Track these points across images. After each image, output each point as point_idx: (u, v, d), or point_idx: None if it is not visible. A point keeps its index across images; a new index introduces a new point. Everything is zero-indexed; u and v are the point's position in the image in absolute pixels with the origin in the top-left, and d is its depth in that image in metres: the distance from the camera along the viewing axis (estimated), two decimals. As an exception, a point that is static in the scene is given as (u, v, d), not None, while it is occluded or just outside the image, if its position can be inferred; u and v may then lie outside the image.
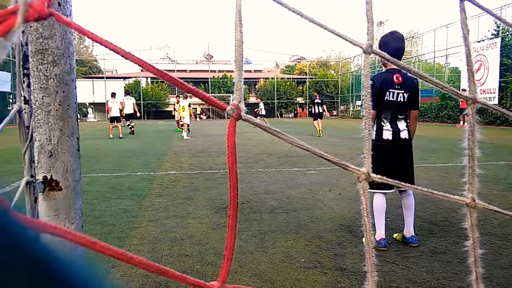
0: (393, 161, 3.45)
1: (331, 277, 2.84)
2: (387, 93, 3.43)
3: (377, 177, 0.55)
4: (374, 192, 3.46)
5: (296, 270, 2.98)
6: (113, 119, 16.20)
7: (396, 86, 3.43)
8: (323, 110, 16.67)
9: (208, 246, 3.45)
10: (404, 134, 3.47)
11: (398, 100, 3.45)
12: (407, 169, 3.53)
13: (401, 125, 3.48)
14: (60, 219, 0.89)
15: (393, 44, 3.38)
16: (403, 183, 0.60)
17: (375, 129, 3.50)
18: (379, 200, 3.46)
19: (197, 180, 6.46)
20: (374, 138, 3.48)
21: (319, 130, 15.84)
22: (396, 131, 3.46)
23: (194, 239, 3.63)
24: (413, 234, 3.47)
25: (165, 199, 5.16)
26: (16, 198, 0.86)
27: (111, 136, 15.85)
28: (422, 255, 3.24)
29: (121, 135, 15.69)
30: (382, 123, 3.47)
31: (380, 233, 3.40)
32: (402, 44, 3.45)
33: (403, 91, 3.44)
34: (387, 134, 3.46)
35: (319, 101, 16.37)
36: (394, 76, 3.42)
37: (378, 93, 3.40)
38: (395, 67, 3.39)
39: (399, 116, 3.48)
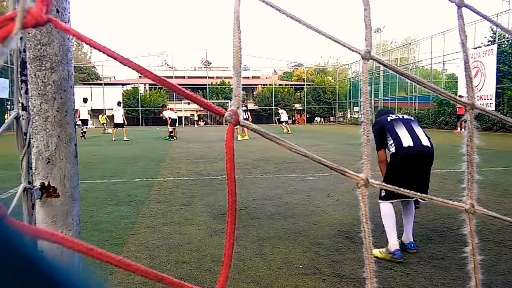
0: (415, 169, 3.32)
1: (330, 284, 2.83)
2: (388, 118, 3.53)
3: (376, 183, 0.54)
4: (381, 203, 3.40)
5: (294, 276, 2.96)
6: (116, 125, 18.67)
7: (394, 115, 3.59)
8: (248, 116, 19.24)
9: (206, 253, 3.44)
10: (425, 142, 3.35)
11: (402, 116, 3.56)
12: (425, 178, 3.43)
13: (419, 131, 3.44)
14: (57, 226, 0.88)
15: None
16: (412, 192, 0.60)
17: (392, 150, 3.40)
18: (387, 208, 3.35)
19: (195, 186, 6.45)
20: (393, 152, 3.39)
21: (244, 135, 17.92)
22: (415, 136, 3.38)
23: (192, 246, 3.61)
24: (412, 240, 3.46)
25: (163, 205, 5.15)
26: (13, 204, 0.85)
27: (114, 139, 17.97)
28: (421, 261, 3.23)
29: (125, 138, 18.03)
30: (396, 141, 3.39)
31: (394, 243, 3.24)
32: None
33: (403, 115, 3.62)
34: (408, 142, 3.33)
35: (245, 108, 19.23)
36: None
37: (379, 130, 3.49)
38: None
39: (414, 127, 3.46)
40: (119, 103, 19.81)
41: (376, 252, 3.27)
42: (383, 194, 3.38)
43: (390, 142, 3.43)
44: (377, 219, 4.04)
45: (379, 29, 42.12)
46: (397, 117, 3.52)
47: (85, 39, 0.39)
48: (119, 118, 18.51)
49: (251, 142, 15.06)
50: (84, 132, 19.67)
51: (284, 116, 23.96)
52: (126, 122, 18.98)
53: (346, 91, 44.45)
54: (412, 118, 3.58)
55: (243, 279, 2.91)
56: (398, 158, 3.32)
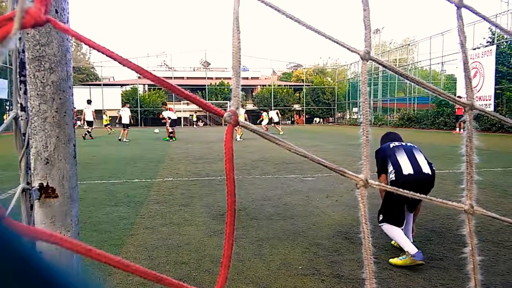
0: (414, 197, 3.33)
1: (329, 284, 2.83)
2: (390, 145, 3.56)
3: (375, 184, 0.54)
4: (382, 225, 3.39)
5: (293, 277, 2.96)
6: (124, 125, 19.01)
7: (397, 142, 3.63)
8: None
9: (205, 253, 3.43)
10: (426, 169, 3.33)
11: (405, 143, 3.57)
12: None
13: (420, 157, 3.42)
14: (56, 227, 0.88)
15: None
16: (412, 192, 0.59)
17: (392, 177, 3.38)
18: (389, 225, 3.34)
19: (194, 187, 6.44)
20: (393, 179, 3.37)
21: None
22: (416, 164, 3.36)
23: (191, 246, 3.61)
24: (411, 241, 3.46)
25: (162, 206, 5.14)
26: (12, 205, 0.85)
27: (120, 138, 18.45)
28: (420, 262, 3.23)
29: (125, 139, 18.35)
30: (396, 168, 3.38)
31: (412, 248, 3.15)
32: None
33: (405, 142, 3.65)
34: (408, 169, 3.32)
35: None
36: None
37: (381, 156, 3.54)
38: None
39: (415, 154, 3.44)
40: (125, 104, 20.70)
41: (395, 260, 3.20)
42: (381, 218, 3.39)
43: (390, 169, 3.42)
44: (376, 220, 4.04)
45: (378, 30, 42.21)
46: (399, 144, 3.56)
47: (84, 39, 0.39)
48: (126, 118, 18.90)
49: (250, 143, 15.06)
50: (88, 132, 19.88)
51: (275, 117, 23.43)
52: (132, 122, 19.38)
53: (345, 91, 44.49)
54: (415, 146, 3.57)
55: (242, 280, 2.91)
56: (397, 186, 3.32)
